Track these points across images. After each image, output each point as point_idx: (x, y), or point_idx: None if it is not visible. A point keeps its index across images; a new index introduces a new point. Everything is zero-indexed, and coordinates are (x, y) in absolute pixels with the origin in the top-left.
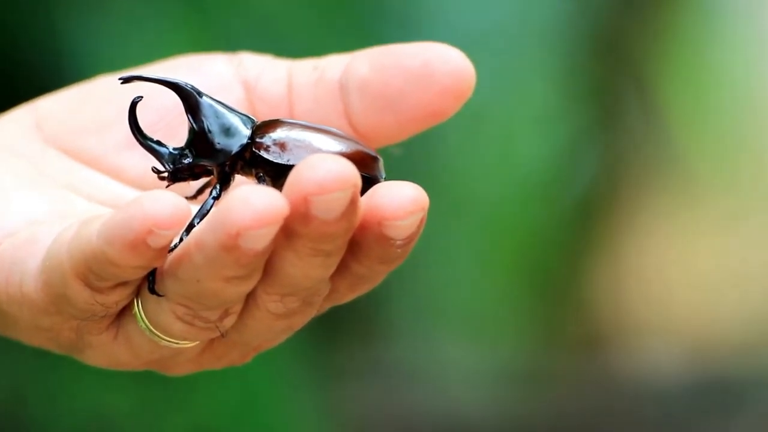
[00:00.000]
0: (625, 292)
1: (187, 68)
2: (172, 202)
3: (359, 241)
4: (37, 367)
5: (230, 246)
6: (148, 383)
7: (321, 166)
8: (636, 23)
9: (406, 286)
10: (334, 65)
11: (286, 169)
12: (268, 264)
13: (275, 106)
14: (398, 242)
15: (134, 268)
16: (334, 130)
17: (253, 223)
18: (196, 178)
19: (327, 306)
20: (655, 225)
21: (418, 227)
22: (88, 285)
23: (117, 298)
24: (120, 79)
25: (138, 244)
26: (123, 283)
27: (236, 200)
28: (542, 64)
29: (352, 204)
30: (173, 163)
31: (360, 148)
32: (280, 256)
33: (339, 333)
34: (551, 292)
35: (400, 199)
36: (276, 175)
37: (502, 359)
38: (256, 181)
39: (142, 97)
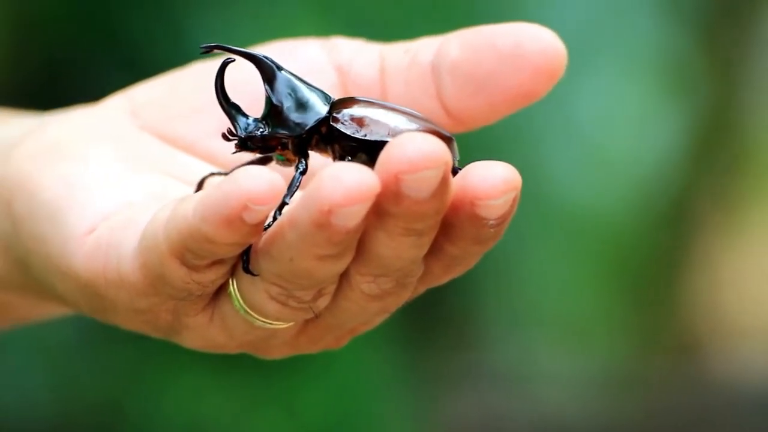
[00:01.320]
0: (720, 295)
1: (280, 52)
2: (267, 178)
3: (452, 221)
4: (132, 373)
5: (322, 223)
6: (244, 386)
7: (411, 144)
8: (737, 23)
9: (501, 291)
10: (425, 48)
11: (362, 144)
12: (361, 244)
13: (368, 90)
14: (491, 222)
15: (230, 245)
16: (408, 109)
17: (344, 200)
18: (265, 151)
19: (422, 288)
20: (751, 228)
21: (511, 207)
22: (185, 264)
23: (213, 277)
24: (201, 47)
25: (234, 220)
26: (219, 262)
27: (327, 177)
28: (637, 63)
29: (443, 183)
30: (246, 131)
31: (434, 127)
32: (373, 237)
33: (435, 338)
34: (646, 296)
35: (492, 179)
36: (352, 151)
37: (596, 364)
38: (332, 157)
39: (234, 59)
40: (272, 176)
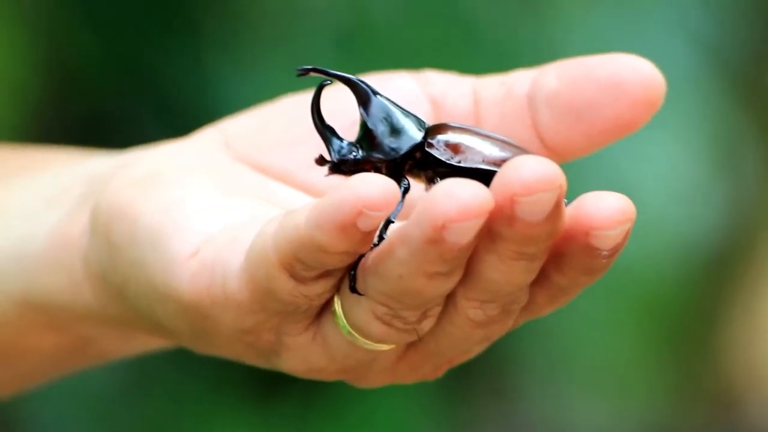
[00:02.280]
0: (758, 346)
1: (375, 83)
2: (382, 184)
3: (563, 251)
4: (170, 423)
5: (435, 239)
6: None
7: (527, 166)
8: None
9: (538, 340)
10: (520, 80)
11: (456, 171)
12: (471, 268)
13: (462, 122)
14: (604, 253)
15: (341, 253)
16: (503, 136)
17: (459, 215)
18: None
19: (523, 318)
20: None
21: (624, 238)
22: (293, 276)
23: (320, 290)
24: (298, 70)
25: (348, 226)
26: (326, 274)
27: (442, 193)
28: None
29: (557, 206)
30: (340, 154)
31: (530, 154)
32: (483, 260)
33: (469, 387)
34: (683, 346)
35: (608, 209)
36: (445, 177)
37: (633, 415)
38: (425, 182)
39: (329, 82)
40: (387, 182)
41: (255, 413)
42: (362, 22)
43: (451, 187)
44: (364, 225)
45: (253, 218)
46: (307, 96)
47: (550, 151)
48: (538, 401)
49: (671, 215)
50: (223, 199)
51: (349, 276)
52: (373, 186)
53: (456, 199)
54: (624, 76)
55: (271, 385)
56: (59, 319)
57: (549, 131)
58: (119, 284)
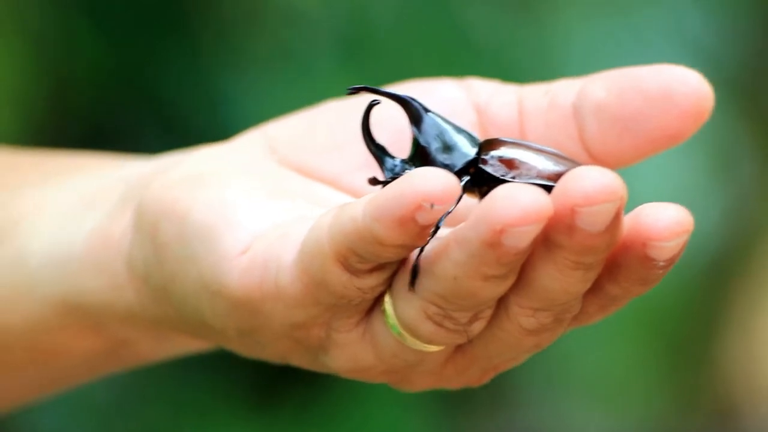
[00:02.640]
0: (757, 357)
1: (419, 92)
2: (443, 177)
3: (619, 261)
4: None
5: (493, 243)
6: None
7: (590, 176)
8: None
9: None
10: (566, 89)
11: None
12: (526, 276)
13: (507, 130)
14: (660, 264)
15: (397, 246)
16: (555, 150)
17: (519, 219)
18: None
19: (573, 326)
20: None
21: (681, 249)
22: (347, 268)
23: (373, 283)
24: (348, 89)
25: (407, 220)
26: (381, 267)
27: (501, 197)
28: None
29: (617, 217)
30: (393, 173)
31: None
32: (540, 269)
33: (468, 395)
34: (683, 357)
35: (667, 220)
36: None
37: (632, 425)
38: (479, 198)
39: (378, 101)
40: (447, 176)
41: (253, 421)
42: (362, 31)
43: (512, 192)
44: (422, 219)
45: (302, 217)
46: (351, 100)
47: (595, 161)
48: (537, 411)
49: None
50: (272, 198)
51: (411, 270)
52: (434, 179)
53: (516, 203)
54: (673, 88)
55: (269, 394)
56: (98, 321)
57: (595, 141)
58: (164, 283)
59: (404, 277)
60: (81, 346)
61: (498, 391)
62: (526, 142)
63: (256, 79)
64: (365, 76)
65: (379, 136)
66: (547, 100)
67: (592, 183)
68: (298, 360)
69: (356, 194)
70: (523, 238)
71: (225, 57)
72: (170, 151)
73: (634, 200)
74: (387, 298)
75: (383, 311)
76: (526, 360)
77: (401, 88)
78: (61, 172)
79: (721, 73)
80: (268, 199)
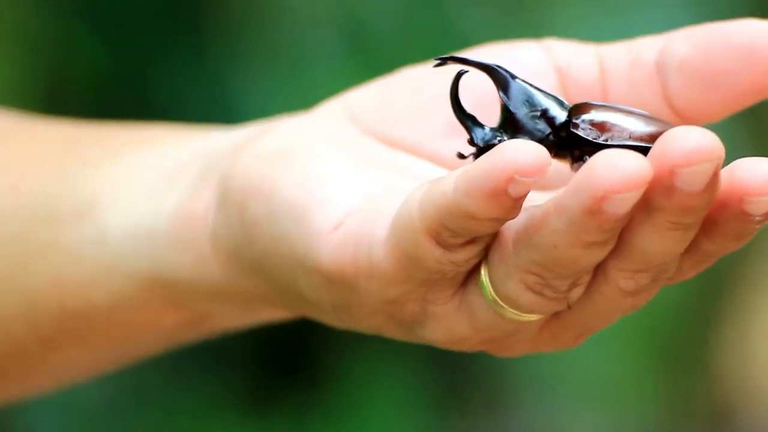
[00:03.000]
0: (753, 359)
1: (501, 55)
2: (534, 149)
3: (715, 218)
4: None
5: (595, 210)
6: None
7: (688, 137)
8: None
9: (530, 354)
10: (648, 47)
11: (603, 149)
12: (624, 240)
13: (588, 91)
14: (757, 218)
15: (490, 220)
16: (644, 111)
17: (621, 186)
18: None
19: (667, 284)
20: None
21: None
22: (440, 243)
23: (467, 256)
24: (436, 59)
25: (498, 193)
26: (474, 240)
27: (601, 164)
28: None
29: (715, 175)
30: (484, 140)
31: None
32: (639, 232)
33: (463, 399)
34: (677, 360)
35: (763, 174)
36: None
37: (627, 428)
38: (571, 163)
39: (467, 71)
40: (538, 147)
41: (248, 425)
42: (363, 29)
43: (612, 159)
44: (515, 191)
45: (391, 189)
46: (428, 66)
47: (681, 118)
48: (532, 414)
49: None
50: (359, 171)
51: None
52: (525, 151)
53: (617, 169)
54: (758, 42)
55: (264, 398)
56: (183, 297)
57: (680, 98)
58: (256, 259)
59: (500, 250)
60: (163, 320)
61: (493, 394)
62: (615, 105)
63: (256, 81)
64: (367, 74)
65: (467, 99)
66: (629, 59)
67: (691, 143)
68: (393, 332)
69: (441, 161)
70: (624, 204)
71: (225, 59)
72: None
73: None
74: (483, 270)
75: (479, 283)
76: (521, 363)
77: (482, 53)
78: (136, 145)
79: None
80: (356, 171)
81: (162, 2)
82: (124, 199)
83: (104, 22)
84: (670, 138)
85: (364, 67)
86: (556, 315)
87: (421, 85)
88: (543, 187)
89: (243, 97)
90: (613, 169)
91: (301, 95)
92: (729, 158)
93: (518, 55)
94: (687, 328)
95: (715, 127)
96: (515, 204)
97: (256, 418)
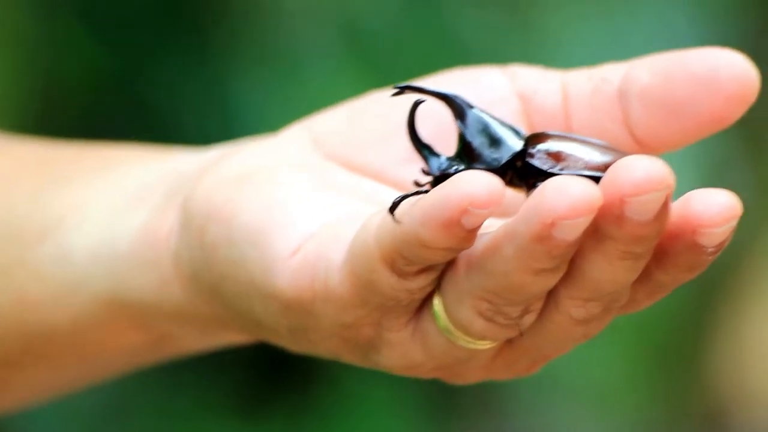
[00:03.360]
0: (747, 362)
1: (463, 81)
2: (487, 180)
3: (668, 249)
4: None
5: (544, 236)
6: None
7: (638, 166)
8: None
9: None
10: (611, 74)
11: None
12: (575, 268)
13: (552, 117)
14: (710, 249)
15: (444, 249)
16: (600, 141)
17: (570, 212)
18: None
19: (621, 313)
20: None
21: (729, 235)
22: (395, 270)
23: (422, 284)
24: (394, 88)
25: (452, 224)
26: (428, 268)
27: (551, 190)
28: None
29: (665, 205)
30: (441, 170)
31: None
32: (589, 260)
33: (457, 402)
34: (672, 362)
35: (717, 206)
36: None
37: (621, 431)
38: (526, 192)
39: (424, 100)
40: (492, 179)
41: (243, 427)
42: (359, 31)
43: (561, 185)
44: (468, 222)
45: (351, 214)
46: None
47: (642, 146)
48: (526, 417)
49: None
50: (320, 196)
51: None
52: (479, 183)
53: (567, 195)
54: (720, 71)
55: (259, 401)
56: (145, 317)
57: (641, 126)
58: (214, 283)
59: (453, 276)
60: (125, 341)
61: (487, 398)
62: (571, 135)
63: (255, 82)
64: (365, 75)
65: (423, 130)
66: (592, 86)
67: (641, 172)
68: (349, 357)
69: (403, 187)
70: (573, 230)
71: (224, 60)
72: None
73: None
74: (436, 299)
75: (433, 311)
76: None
77: (445, 79)
78: (103, 166)
79: None
80: (317, 196)
81: (160, 4)
82: (89, 219)
83: (102, 23)
84: (620, 167)
85: (363, 68)
86: (509, 342)
87: (385, 110)
88: (502, 214)
89: (241, 98)
90: (562, 195)
91: (299, 96)
92: (722, 163)
93: (482, 82)
94: (681, 331)
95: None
96: (469, 235)
97: (251, 421)
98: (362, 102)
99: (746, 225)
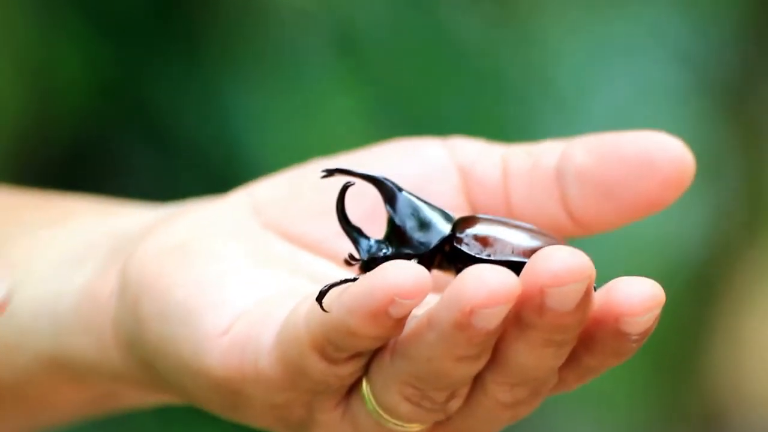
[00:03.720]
0: (743, 363)
1: (403, 153)
2: (414, 271)
3: (594, 335)
4: None
5: (464, 324)
6: None
7: (556, 257)
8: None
9: None
10: (549, 152)
11: (485, 263)
12: (500, 354)
13: (491, 192)
14: (633, 337)
15: (372, 338)
16: (530, 225)
17: (487, 300)
18: None
19: (552, 394)
20: None
21: (654, 323)
22: (325, 357)
23: (351, 370)
24: (322, 172)
25: (379, 314)
26: (358, 355)
27: (470, 279)
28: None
29: (587, 295)
30: (369, 253)
31: (557, 243)
32: (513, 347)
33: None
34: (668, 365)
35: (639, 296)
36: None
37: None
38: (455, 276)
39: (353, 183)
40: (419, 270)
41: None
42: (354, 36)
43: (479, 273)
44: (395, 312)
45: (284, 292)
46: (336, 161)
47: (577, 224)
48: (523, 419)
49: (654, 233)
50: (255, 271)
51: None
52: (405, 274)
53: (484, 284)
54: (654, 155)
55: None
56: (86, 377)
57: (577, 205)
58: (147, 355)
59: (380, 361)
60: (67, 397)
61: None
62: (501, 219)
63: (250, 89)
64: (359, 81)
65: (360, 205)
66: (531, 162)
67: (560, 263)
68: None
69: (338, 260)
70: (492, 318)
71: (219, 68)
72: (156, 160)
73: None
74: (365, 383)
75: (362, 396)
76: None
77: (385, 150)
78: (54, 221)
79: (706, 80)
80: (252, 271)
81: (155, 12)
82: (34, 276)
83: (101, 24)
84: (540, 258)
85: (357, 70)
86: (440, 425)
87: (325, 182)
88: (440, 290)
89: (238, 101)
90: (480, 284)
91: (294, 102)
92: (716, 162)
93: (421, 153)
94: (678, 334)
95: (705, 132)
96: (397, 324)
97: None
98: (304, 170)
99: (741, 225)
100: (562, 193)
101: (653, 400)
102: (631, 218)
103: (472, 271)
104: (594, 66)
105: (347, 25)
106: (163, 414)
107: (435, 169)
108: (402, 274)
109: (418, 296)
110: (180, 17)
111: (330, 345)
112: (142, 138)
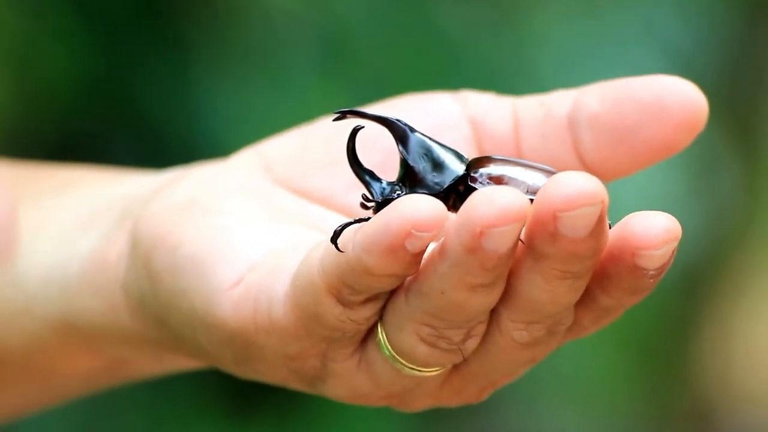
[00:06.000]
0: (731, 360)
1: (414, 107)
2: (430, 204)
3: (609, 271)
4: None
5: (474, 247)
6: None
7: (569, 181)
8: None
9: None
10: (561, 101)
11: None
12: (515, 289)
13: (502, 143)
14: (650, 272)
15: (389, 276)
16: (543, 165)
17: (497, 219)
18: None
19: (568, 338)
20: (762, 293)
21: (671, 257)
22: (340, 300)
23: (367, 314)
24: (335, 113)
25: (396, 248)
26: (374, 297)
27: (479, 199)
28: None
29: (600, 221)
30: (383, 195)
31: None
32: (527, 280)
33: None
34: (660, 362)
35: (655, 229)
36: None
37: (609, 430)
38: None
39: (363, 126)
40: (434, 202)
41: (231, 429)
42: (341, 36)
43: (489, 193)
44: (412, 246)
45: (296, 243)
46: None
47: (591, 172)
48: (515, 416)
49: None
50: (265, 224)
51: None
52: (421, 207)
53: (494, 204)
54: (667, 99)
55: (247, 404)
56: (96, 342)
57: (590, 152)
58: (160, 311)
59: (394, 303)
60: (78, 364)
61: None
62: (515, 159)
63: (238, 87)
64: (347, 79)
65: (371, 156)
66: (542, 112)
67: (573, 187)
68: (297, 386)
69: (350, 213)
70: (503, 239)
71: (206, 67)
72: (143, 158)
73: (612, 208)
74: (380, 328)
75: (377, 342)
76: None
77: (396, 104)
78: (58, 189)
79: (698, 78)
80: (262, 224)
81: (144, 10)
82: (42, 243)
83: (92, 22)
84: (552, 183)
85: (345, 73)
86: (456, 369)
87: (335, 136)
88: None
89: (225, 104)
90: (489, 204)
91: (282, 100)
92: (713, 164)
93: (433, 107)
94: (668, 331)
95: (702, 133)
96: (414, 259)
97: (239, 422)
98: (312, 126)
99: (734, 224)
100: (575, 141)
101: (642, 396)
102: (645, 163)
103: (480, 193)
104: (583, 59)
105: (335, 25)
106: (152, 410)
107: (446, 122)
108: (418, 206)
109: (435, 228)
110: (168, 16)
111: (346, 287)
112: (130, 136)
